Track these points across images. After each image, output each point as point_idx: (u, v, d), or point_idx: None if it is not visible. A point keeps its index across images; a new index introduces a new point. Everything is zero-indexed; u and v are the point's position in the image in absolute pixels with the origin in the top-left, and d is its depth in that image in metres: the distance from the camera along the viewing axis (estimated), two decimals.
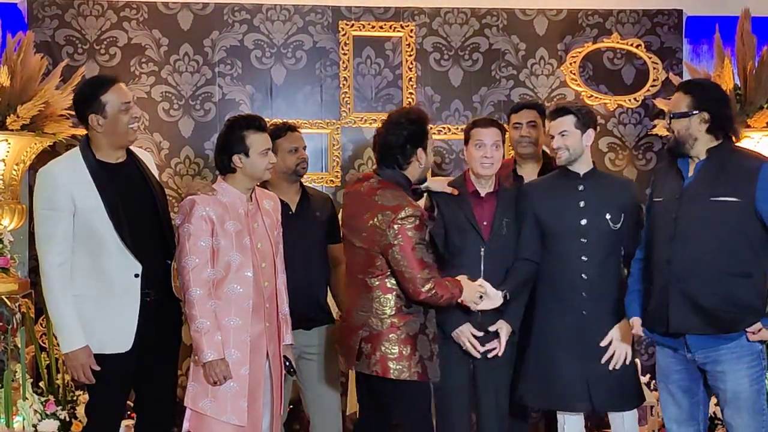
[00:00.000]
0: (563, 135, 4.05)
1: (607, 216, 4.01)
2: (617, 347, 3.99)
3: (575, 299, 4.03)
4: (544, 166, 4.67)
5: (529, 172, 4.66)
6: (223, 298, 3.70)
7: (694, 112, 3.70)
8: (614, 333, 3.99)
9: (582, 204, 4.05)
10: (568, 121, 4.05)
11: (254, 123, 3.83)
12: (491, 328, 4.05)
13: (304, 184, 4.59)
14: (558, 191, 4.13)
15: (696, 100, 3.73)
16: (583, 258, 4.02)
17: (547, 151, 4.68)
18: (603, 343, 3.99)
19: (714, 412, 4.61)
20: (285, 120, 4.85)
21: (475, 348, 4.04)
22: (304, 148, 4.47)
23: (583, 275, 4.02)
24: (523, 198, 4.19)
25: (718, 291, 3.60)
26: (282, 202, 4.28)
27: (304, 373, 4.36)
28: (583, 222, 4.03)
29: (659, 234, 3.75)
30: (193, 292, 3.63)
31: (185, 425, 3.75)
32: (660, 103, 5.60)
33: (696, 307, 3.61)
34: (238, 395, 3.70)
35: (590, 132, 4.07)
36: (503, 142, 4.22)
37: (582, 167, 4.10)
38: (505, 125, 4.45)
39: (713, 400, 4.39)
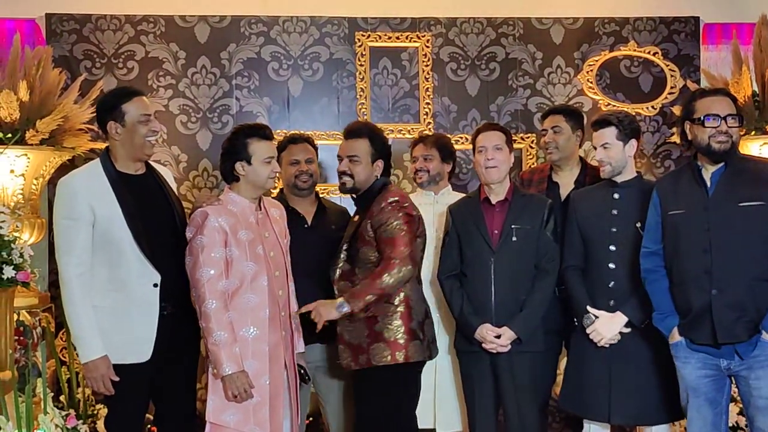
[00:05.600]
0: (605, 147, 4.06)
1: (638, 224, 3.99)
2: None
3: (602, 307, 4.02)
4: (581, 173, 4.64)
5: (565, 180, 4.64)
6: (238, 308, 3.68)
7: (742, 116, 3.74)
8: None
9: (615, 212, 4.05)
10: (609, 133, 4.06)
11: (258, 131, 3.83)
12: (494, 332, 4.08)
13: (324, 196, 4.57)
14: (596, 199, 4.14)
15: (737, 106, 3.76)
16: (611, 266, 4.02)
17: (585, 157, 4.69)
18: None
19: (736, 422, 4.58)
20: (301, 132, 4.85)
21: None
22: (308, 161, 4.41)
23: (610, 283, 4.02)
24: (571, 205, 4.22)
25: (757, 298, 3.60)
26: (298, 215, 4.29)
27: (322, 386, 4.35)
28: (613, 230, 4.03)
29: (689, 246, 3.72)
30: (209, 305, 3.61)
31: None
32: (678, 110, 5.58)
33: (741, 315, 3.60)
34: (260, 405, 3.68)
35: (633, 142, 4.07)
36: (509, 145, 4.22)
37: (622, 176, 4.09)
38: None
39: (734, 408, 4.38)
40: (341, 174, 4.13)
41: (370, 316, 3.96)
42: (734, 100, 3.79)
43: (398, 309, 3.98)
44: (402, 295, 3.99)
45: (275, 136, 4.02)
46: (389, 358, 3.93)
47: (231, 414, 3.66)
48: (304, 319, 3.99)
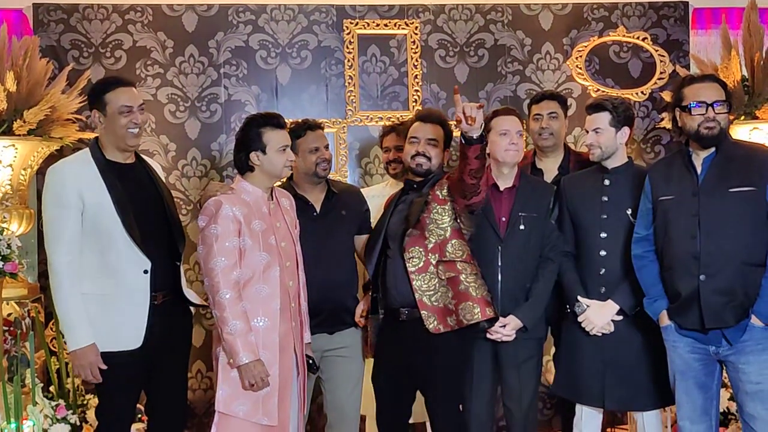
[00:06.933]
0: (597, 132, 4.05)
1: (628, 211, 3.99)
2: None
3: (593, 294, 4.03)
4: (564, 159, 4.62)
5: (550, 166, 4.62)
6: (250, 298, 3.66)
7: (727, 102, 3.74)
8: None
9: (605, 198, 4.05)
10: (602, 118, 4.05)
11: (271, 120, 3.82)
12: (500, 322, 4.05)
13: (333, 179, 4.53)
14: (587, 185, 4.14)
15: (727, 91, 3.76)
16: (602, 253, 4.03)
17: (570, 144, 4.64)
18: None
19: (727, 407, 4.59)
20: (296, 119, 4.81)
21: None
22: (326, 147, 4.33)
23: (601, 270, 4.03)
24: (561, 190, 4.21)
25: (746, 282, 3.61)
26: (307, 203, 4.26)
27: (324, 373, 4.31)
28: (604, 216, 4.03)
29: (678, 232, 3.73)
30: (223, 295, 3.59)
31: (213, 430, 3.71)
32: (668, 96, 5.57)
33: (729, 300, 3.61)
34: (270, 396, 3.67)
35: (625, 130, 4.06)
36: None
37: (613, 162, 4.08)
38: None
39: (725, 395, 4.38)
40: (417, 155, 4.10)
41: (451, 278, 3.94)
42: (724, 85, 3.79)
43: (477, 268, 3.99)
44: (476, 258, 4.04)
45: None
46: (480, 314, 3.90)
47: (241, 404, 3.65)
48: (311, 308, 4.00)
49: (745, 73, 5.35)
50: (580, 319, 4.02)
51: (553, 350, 4.57)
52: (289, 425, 3.80)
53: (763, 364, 3.61)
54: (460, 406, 4.11)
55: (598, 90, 5.78)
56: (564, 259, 4.14)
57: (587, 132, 4.10)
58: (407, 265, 3.96)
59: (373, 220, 4.37)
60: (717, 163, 3.71)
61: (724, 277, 3.62)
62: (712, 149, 3.73)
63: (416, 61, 5.76)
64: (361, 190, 4.73)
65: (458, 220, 3.98)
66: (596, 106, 4.10)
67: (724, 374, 3.81)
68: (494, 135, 4.14)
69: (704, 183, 3.70)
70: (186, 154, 5.65)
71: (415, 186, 4.15)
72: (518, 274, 4.10)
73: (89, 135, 5.20)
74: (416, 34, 5.77)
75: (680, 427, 3.82)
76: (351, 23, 5.74)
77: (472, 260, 3.99)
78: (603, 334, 4.01)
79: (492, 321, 3.98)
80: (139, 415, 4.63)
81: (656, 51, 5.84)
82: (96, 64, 5.58)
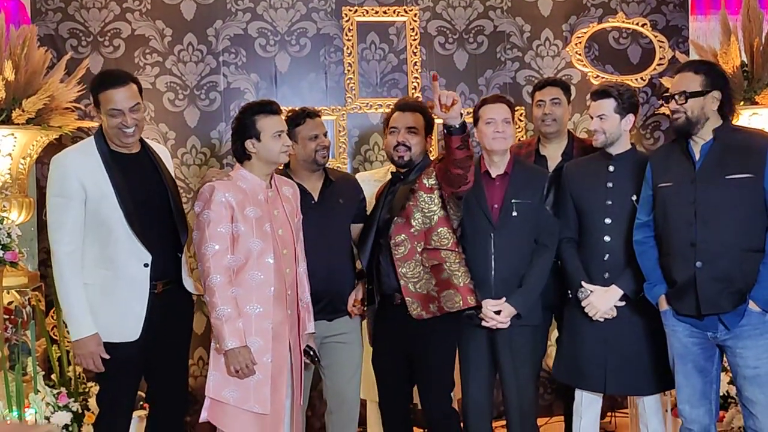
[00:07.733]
0: (601, 118, 4.06)
1: (633, 197, 3.99)
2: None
3: (598, 279, 4.04)
4: (568, 145, 4.63)
5: (553, 152, 4.62)
6: (243, 285, 3.68)
7: (708, 91, 3.70)
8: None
9: (610, 185, 4.06)
10: (607, 105, 4.05)
11: (265, 107, 3.83)
12: (492, 308, 4.07)
13: (330, 167, 4.53)
14: (591, 171, 4.14)
15: (708, 79, 3.74)
16: (606, 238, 4.03)
17: (572, 130, 4.64)
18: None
19: (727, 391, 4.60)
20: (295, 107, 4.80)
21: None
22: (325, 134, 4.34)
23: (605, 256, 4.04)
24: (564, 176, 4.21)
25: (745, 269, 3.62)
26: (305, 191, 4.25)
27: (324, 359, 4.31)
28: (609, 203, 4.04)
29: (676, 219, 3.75)
30: (213, 279, 3.61)
31: (203, 414, 3.72)
32: (667, 82, 5.57)
33: (726, 287, 3.62)
34: (261, 383, 3.67)
35: (630, 117, 4.07)
36: (513, 119, 4.21)
37: (616, 148, 4.09)
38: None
39: (725, 378, 4.40)
40: (398, 145, 4.14)
41: (434, 265, 3.99)
42: (706, 71, 3.78)
43: (461, 256, 4.02)
44: (461, 244, 4.08)
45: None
46: (461, 303, 3.96)
47: (231, 390, 3.66)
48: (310, 295, 4.01)
49: (745, 59, 5.33)
50: (583, 304, 4.03)
51: (555, 335, 4.58)
52: (283, 413, 3.79)
53: (760, 348, 3.62)
54: (452, 394, 4.15)
55: (598, 76, 5.77)
56: (567, 245, 4.14)
57: (592, 118, 4.11)
58: (393, 252, 4.02)
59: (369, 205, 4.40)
60: (715, 150, 3.72)
61: (721, 264, 3.63)
62: (710, 136, 3.73)
63: (415, 48, 5.75)
64: (358, 175, 4.75)
65: (446, 208, 4.02)
66: (601, 93, 4.11)
67: (725, 358, 3.83)
68: (481, 123, 4.16)
69: (701, 170, 3.71)
70: (185, 143, 5.64)
71: (402, 177, 4.20)
72: (512, 261, 4.11)
73: (88, 124, 5.21)
74: (415, 21, 5.75)
75: (680, 410, 3.84)
76: (350, 10, 5.72)
77: (458, 248, 4.03)
78: (605, 319, 4.01)
79: (476, 309, 4.02)
80: (141, 403, 4.63)
81: (655, 37, 5.83)
82: (94, 53, 5.56)
